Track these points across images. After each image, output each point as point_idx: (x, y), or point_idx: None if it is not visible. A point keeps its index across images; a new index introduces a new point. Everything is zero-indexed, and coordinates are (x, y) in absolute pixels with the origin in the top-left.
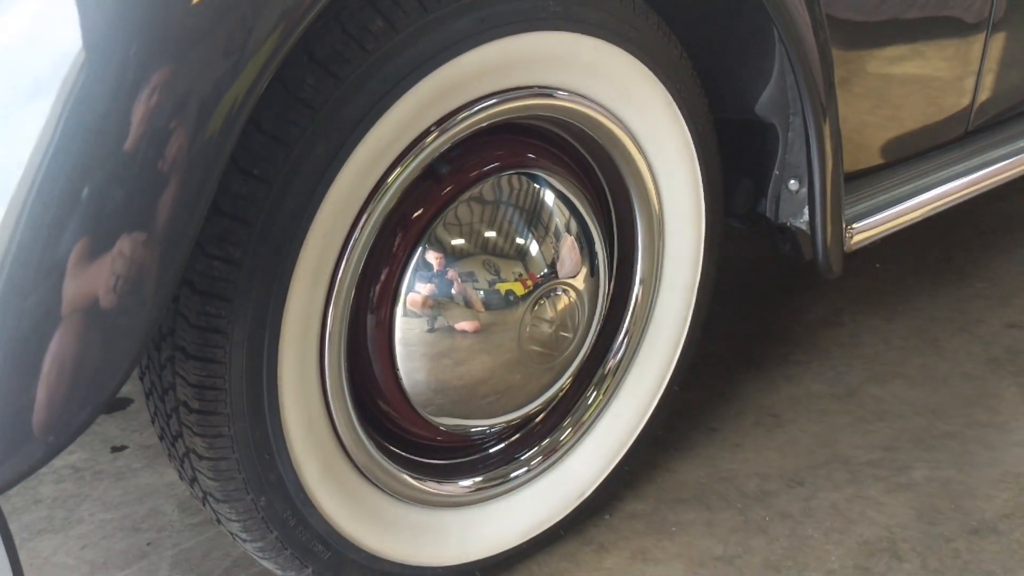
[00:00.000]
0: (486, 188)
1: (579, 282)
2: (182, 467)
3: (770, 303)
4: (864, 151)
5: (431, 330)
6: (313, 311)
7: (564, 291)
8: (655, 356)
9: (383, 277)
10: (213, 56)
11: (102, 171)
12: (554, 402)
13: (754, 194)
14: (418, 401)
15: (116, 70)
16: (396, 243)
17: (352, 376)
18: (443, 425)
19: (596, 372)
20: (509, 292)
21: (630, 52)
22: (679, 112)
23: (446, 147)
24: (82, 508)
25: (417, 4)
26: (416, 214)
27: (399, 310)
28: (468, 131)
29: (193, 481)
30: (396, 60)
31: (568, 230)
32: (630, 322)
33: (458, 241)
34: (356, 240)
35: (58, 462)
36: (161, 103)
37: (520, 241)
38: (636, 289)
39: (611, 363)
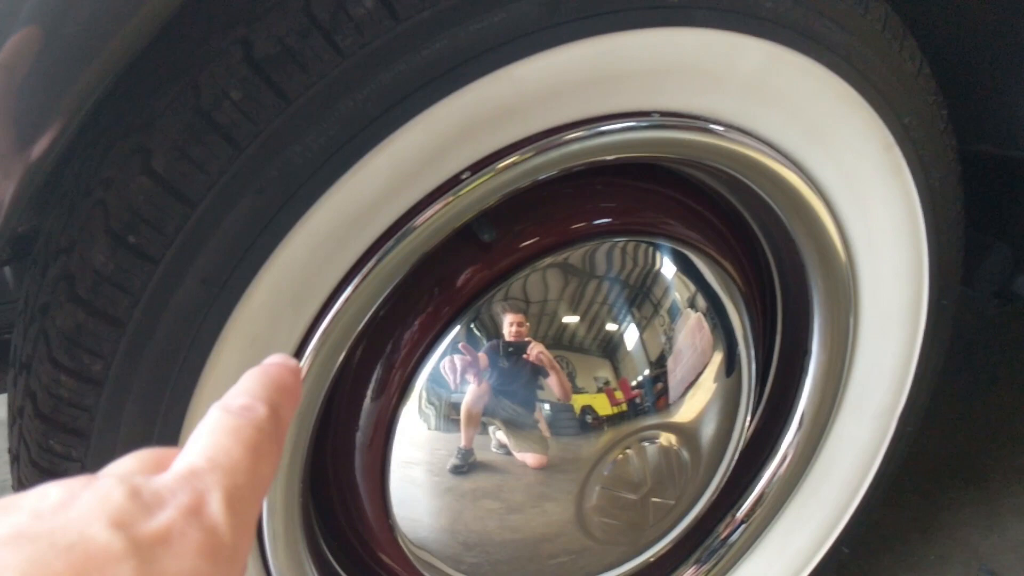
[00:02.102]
0: (562, 260)
1: (689, 416)
2: None
3: (1016, 385)
4: None
5: (460, 460)
6: None
7: (663, 438)
8: (815, 509)
9: (386, 375)
10: None
11: None
12: None
13: (1012, 266)
14: (416, 544)
15: None
16: (413, 327)
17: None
18: None
19: (706, 539)
20: (588, 417)
21: (827, 64)
22: (902, 157)
23: (492, 203)
24: None
25: None
26: (452, 284)
27: (402, 419)
28: (535, 178)
29: None
30: (381, 76)
31: (698, 329)
32: (777, 467)
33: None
34: (316, 351)
35: None
36: None
37: (612, 340)
38: (798, 416)
39: (726, 531)
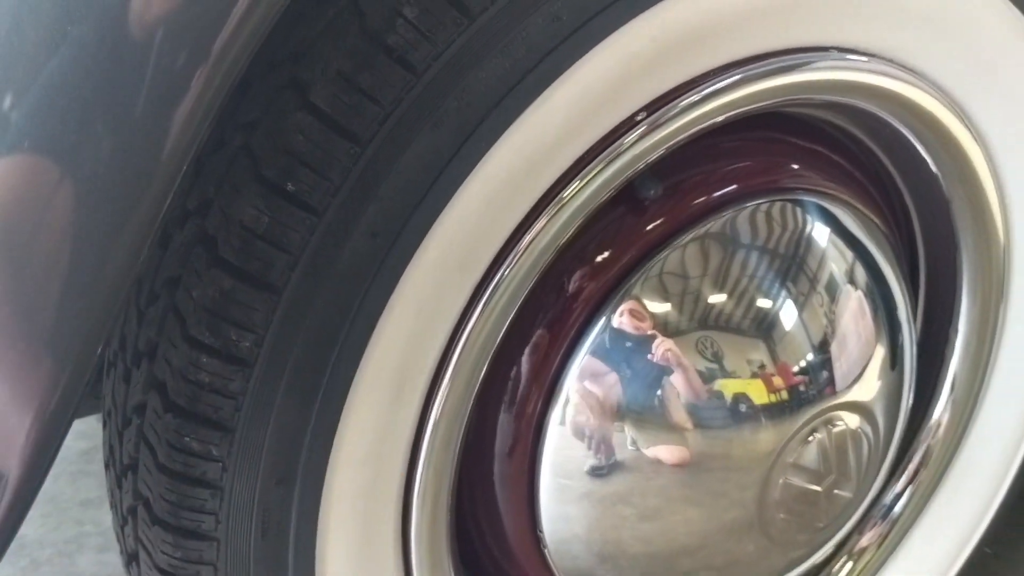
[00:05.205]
0: (718, 226)
1: (868, 392)
2: None
3: None
4: None
5: (601, 462)
6: (391, 447)
7: (845, 413)
8: (960, 504)
9: (529, 367)
10: None
11: None
12: None
13: None
14: (569, 572)
15: None
16: (556, 311)
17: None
18: None
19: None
20: (743, 402)
21: None
22: None
23: (661, 153)
24: None
25: None
26: (595, 263)
27: (552, 420)
28: (713, 122)
29: None
30: None
31: (859, 301)
32: (925, 453)
33: (669, 312)
34: (480, 321)
35: (108, 518)
36: None
37: (768, 317)
38: (943, 398)
39: (876, 524)
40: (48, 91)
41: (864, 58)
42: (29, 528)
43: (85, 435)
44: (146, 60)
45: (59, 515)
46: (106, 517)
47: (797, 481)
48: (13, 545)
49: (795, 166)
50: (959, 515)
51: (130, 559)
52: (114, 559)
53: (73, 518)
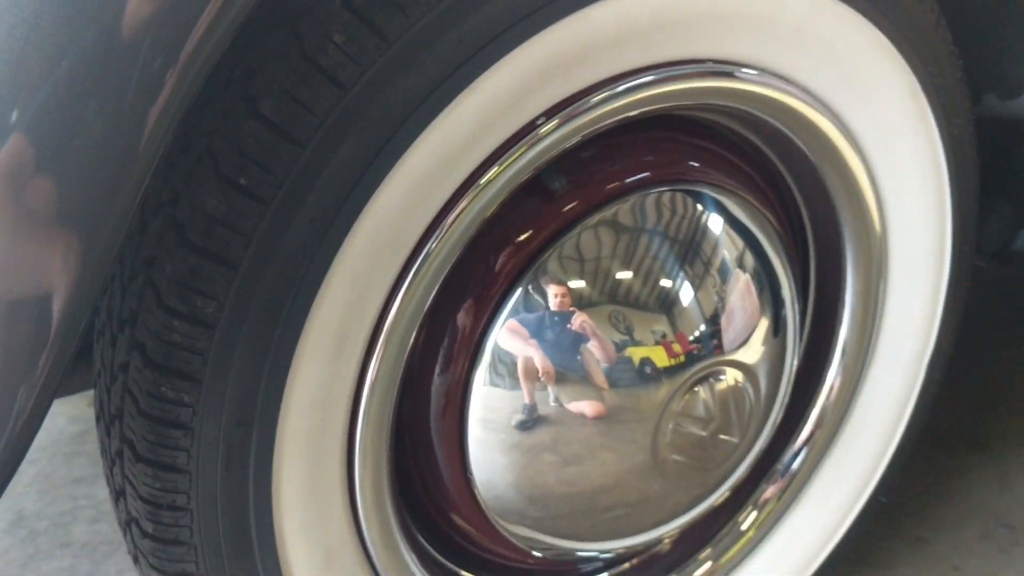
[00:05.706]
0: (624, 211)
1: (753, 355)
2: None
3: (1013, 350)
4: None
5: (526, 416)
6: (335, 396)
7: (731, 371)
8: (854, 459)
9: (457, 334)
10: None
11: None
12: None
13: (1015, 225)
14: (498, 511)
15: None
16: (480, 285)
17: (399, 468)
18: (536, 548)
19: (758, 485)
20: (646, 364)
21: (863, 12)
22: (928, 106)
23: (567, 147)
24: (111, 561)
25: None
26: (515, 243)
27: (478, 380)
28: (602, 125)
29: None
30: (473, 17)
31: (746, 280)
32: (820, 414)
33: (577, 285)
34: (408, 291)
35: (100, 493)
36: None
37: (668, 292)
38: (835, 364)
39: (777, 479)
40: (53, 90)
41: (754, 71)
42: (27, 503)
43: (77, 419)
44: (134, 63)
45: (54, 491)
46: (98, 492)
47: (687, 427)
48: (13, 517)
49: (694, 163)
50: (853, 469)
51: (118, 495)
52: (105, 528)
53: (67, 494)
